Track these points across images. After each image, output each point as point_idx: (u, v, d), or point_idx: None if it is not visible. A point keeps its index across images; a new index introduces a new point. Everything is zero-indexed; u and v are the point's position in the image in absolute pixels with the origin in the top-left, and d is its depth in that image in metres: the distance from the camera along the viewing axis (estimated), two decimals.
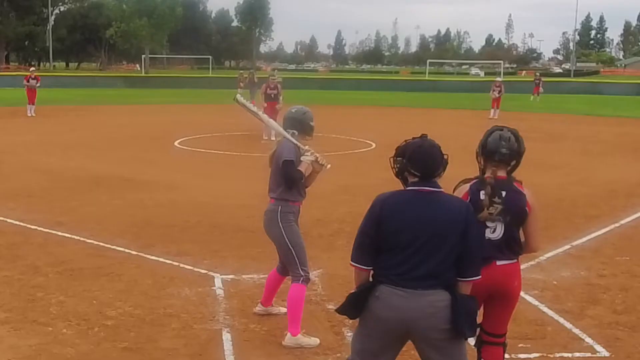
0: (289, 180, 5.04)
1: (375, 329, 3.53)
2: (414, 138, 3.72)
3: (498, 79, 33.19)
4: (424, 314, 3.43)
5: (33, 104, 25.63)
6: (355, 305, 3.59)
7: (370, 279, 3.61)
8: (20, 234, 8.26)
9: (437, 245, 3.47)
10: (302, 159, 5.07)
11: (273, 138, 15.65)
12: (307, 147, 5.13)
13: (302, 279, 5.14)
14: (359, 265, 3.60)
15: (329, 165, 5.14)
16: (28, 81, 26.03)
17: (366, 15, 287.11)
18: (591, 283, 6.76)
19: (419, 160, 3.58)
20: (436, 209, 3.54)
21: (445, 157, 3.66)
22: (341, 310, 3.70)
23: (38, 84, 26.18)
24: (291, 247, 5.16)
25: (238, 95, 5.37)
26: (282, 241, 5.19)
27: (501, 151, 4.05)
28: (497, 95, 28.34)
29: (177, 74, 76.79)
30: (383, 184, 12.27)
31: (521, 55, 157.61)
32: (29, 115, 25.11)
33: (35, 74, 27.46)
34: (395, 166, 3.70)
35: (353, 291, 3.62)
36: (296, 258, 5.16)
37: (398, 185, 3.71)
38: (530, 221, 4.07)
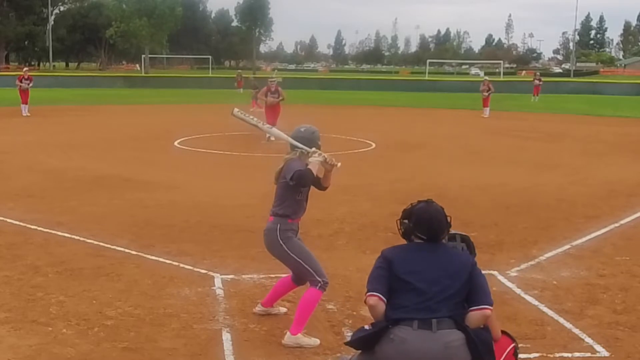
0: (301, 179, 4.97)
1: None
2: (419, 202, 3.93)
3: (486, 78, 33.32)
4: (440, 357, 3.50)
5: (26, 103, 25.74)
6: (366, 345, 3.68)
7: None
8: (20, 234, 8.25)
9: (449, 287, 3.62)
10: (310, 160, 5.05)
11: (272, 138, 15.64)
12: (314, 149, 5.12)
13: (319, 284, 5.12)
14: (376, 294, 3.67)
15: (339, 164, 5.17)
16: (21, 81, 26.13)
17: (366, 15, 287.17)
18: (591, 283, 6.75)
19: (425, 224, 3.80)
20: (444, 253, 3.79)
21: (449, 219, 3.88)
22: (350, 344, 3.80)
23: (30, 84, 26.30)
24: (300, 260, 5.14)
25: (235, 110, 5.33)
26: (288, 257, 5.18)
27: None
28: (486, 94, 28.46)
29: (177, 74, 76.83)
30: (383, 184, 12.23)
31: (521, 55, 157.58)
32: (24, 115, 25.17)
33: (29, 74, 27.49)
34: (401, 228, 3.91)
35: (367, 329, 3.70)
36: (309, 268, 5.14)
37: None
38: None
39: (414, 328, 3.51)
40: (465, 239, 4.20)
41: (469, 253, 4.19)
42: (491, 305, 3.70)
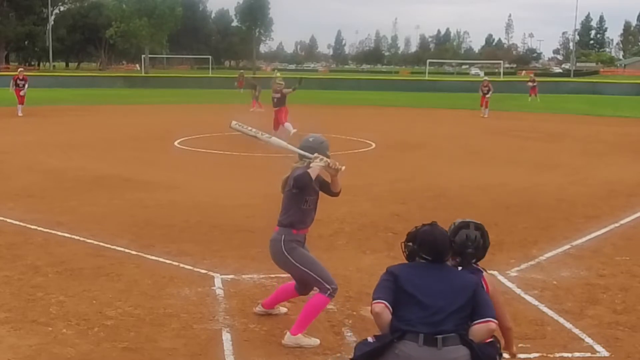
0: (297, 182, 4.97)
1: None
2: (423, 225, 4.01)
3: (486, 78, 33.37)
4: None
5: (22, 103, 25.70)
6: (371, 359, 3.72)
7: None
8: (20, 234, 8.25)
9: (453, 302, 3.67)
10: (311, 164, 5.03)
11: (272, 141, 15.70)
12: (316, 154, 5.09)
13: (329, 292, 5.12)
14: (382, 301, 3.72)
15: (343, 167, 5.16)
16: (16, 82, 26.02)
17: (366, 15, 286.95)
18: (591, 283, 6.76)
19: (430, 246, 3.88)
20: (449, 272, 3.89)
21: (452, 241, 4.02)
22: (356, 358, 3.84)
23: (26, 85, 26.07)
24: (306, 270, 5.14)
25: (233, 122, 5.34)
26: (293, 267, 5.18)
27: (467, 252, 4.25)
28: (487, 95, 28.49)
29: (177, 74, 76.82)
30: (383, 184, 12.21)
31: (521, 55, 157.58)
32: (19, 115, 25.09)
33: (24, 74, 27.42)
34: (405, 250, 4.01)
35: (371, 342, 3.75)
36: (316, 276, 5.14)
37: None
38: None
39: (420, 344, 3.56)
40: (479, 227, 4.27)
41: (483, 241, 4.25)
42: (495, 318, 3.75)
